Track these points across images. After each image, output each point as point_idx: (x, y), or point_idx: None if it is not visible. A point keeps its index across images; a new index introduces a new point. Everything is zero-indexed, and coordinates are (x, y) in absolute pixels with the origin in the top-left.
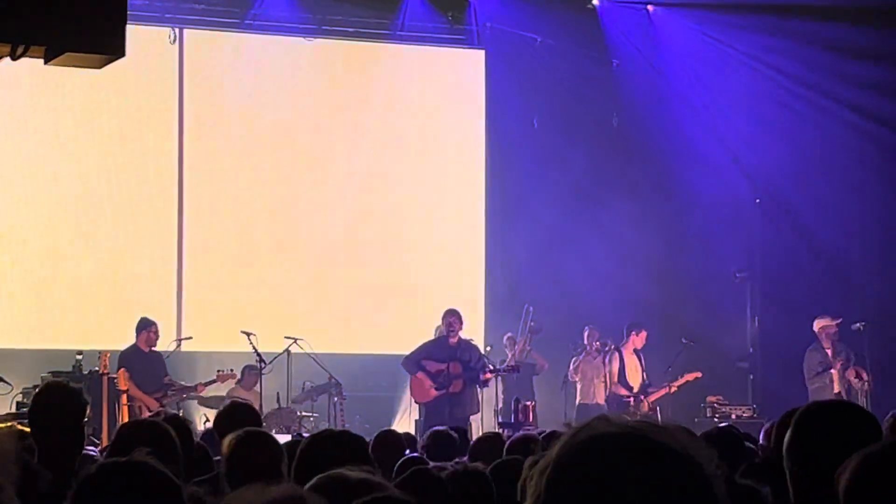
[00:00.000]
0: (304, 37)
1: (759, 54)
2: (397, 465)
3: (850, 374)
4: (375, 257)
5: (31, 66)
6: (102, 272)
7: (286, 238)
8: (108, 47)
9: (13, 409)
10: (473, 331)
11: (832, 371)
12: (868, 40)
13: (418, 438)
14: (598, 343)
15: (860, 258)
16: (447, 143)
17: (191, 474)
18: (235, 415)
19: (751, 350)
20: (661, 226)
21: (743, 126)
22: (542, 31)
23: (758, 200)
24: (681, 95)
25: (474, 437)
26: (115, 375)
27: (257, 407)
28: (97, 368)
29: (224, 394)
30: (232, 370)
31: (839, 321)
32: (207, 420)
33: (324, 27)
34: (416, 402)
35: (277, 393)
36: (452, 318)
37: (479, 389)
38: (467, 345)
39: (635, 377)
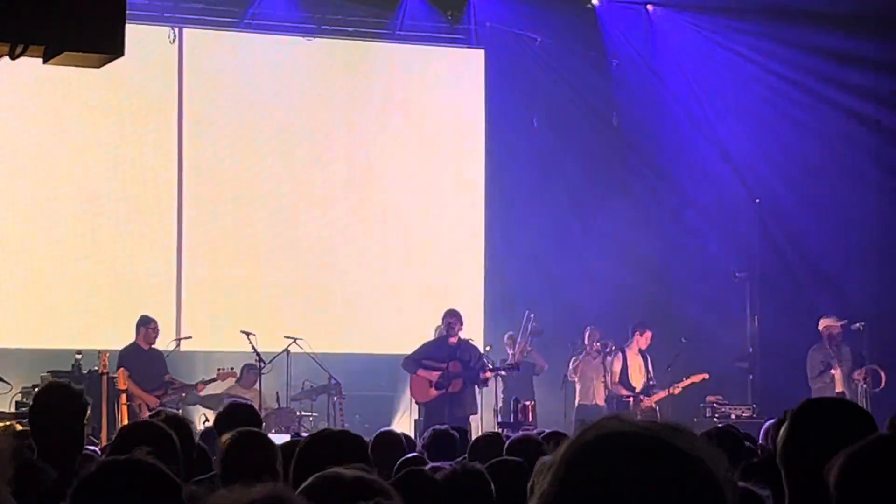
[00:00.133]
0: (303, 36)
1: (758, 55)
2: (397, 464)
3: (859, 375)
4: (375, 257)
5: (30, 66)
6: (102, 272)
7: (286, 238)
8: (107, 47)
9: (12, 409)
10: (473, 331)
11: (833, 371)
12: (867, 47)
13: (417, 438)
14: (598, 344)
15: (860, 258)
16: (447, 143)
17: (191, 474)
18: (235, 415)
19: (750, 350)
20: (661, 225)
21: (742, 126)
22: (542, 30)
23: (757, 200)
24: (680, 95)
25: (473, 438)
26: (114, 375)
27: (256, 406)
28: (96, 368)
29: (221, 392)
30: (232, 368)
31: (844, 322)
32: (207, 420)
33: (323, 27)
34: (415, 401)
35: (277, 392)
36: (452, 319)
37: (478, 389)
38: (467, 345)
39: (638, 378)
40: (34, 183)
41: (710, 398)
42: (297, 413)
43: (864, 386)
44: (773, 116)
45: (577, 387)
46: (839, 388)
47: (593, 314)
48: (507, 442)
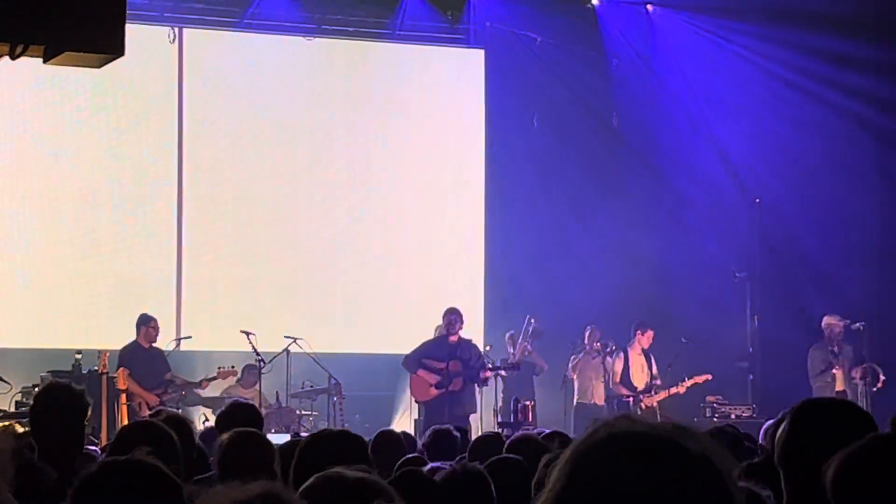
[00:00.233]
0: (303, 36)
1: (758, 55)
2: (397, 464)
3: (857, 374)
4: (375, 257)
5: (30, 66)
6: (102, 272)
7: (286, 237)
8: (107, 46)
9: (12, 409)
10: (473, 331)
11: (834, 370)
12: (866, 49)
13: (418, 438)
14: (598, 343)
15: (860, 258)
16: (447, 142)
17: (191, 474)
18: (237, 414)
19: (750, 350)
20: (661, 225)
21: (742, 126)
22: (542, 30)
23: (757, 200)
24: (680, 95)
25: (473, 437)
26: (114, 374)
27: (256, 406)
28: (96, 368)
29: (219, 393)
30: (233, 367)
31: (846, 322)
32: (206, 419)
33: (323, 26)
34: (416, 400)
35: (277, 392)
36: (453, 317)
37: (477, 388)
38: (467, 343)
39: (640, 377)
40: (34, 183)
41: (710, 398)
42: (297, 413)
43: (864, 385)
44: (773, 116)
45: (575, 385)
46: (840, 388)
47: (593, 314)
48: (507, 441)
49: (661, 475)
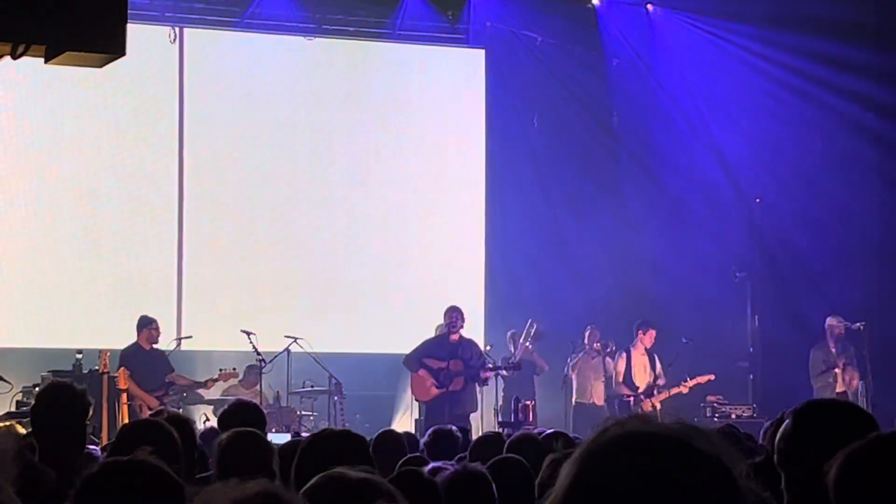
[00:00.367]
0: (303, 36)
1: (757, 56)
2: (398, 464)
3: (847, 376)
4: (375, 256)
5: (31, 65)
6: (102, 271)
7: (286, 237)
8: (108, 46)
9: (13, 409)
10: (473, 330)
11: (835, 370)
12: (866, 53)
13: (419, 437)
14: (598, 343)
15: (860, 258)
16: (447, 142)
17: (192, 473)
18: (240, 414)
19: (751, 349)
20: (661, 225)
21: (742, 126)
22: (542, 30)
23: (757, 199)
24: (680, 95)
25: (473, 437)
26: (115, 374)
27: None
28: (97, 367)
29: (220, 394)
30: (234, 369)
31: (848, 323)
32: (207, 419)
33: (323, 26)
34: (416, 400)
35: (277, 392)
36: (455, 315)
37: (478, 388)
38: (468, 342)
39: (642, 377)
40: (34, 183)
41: (710, 398)
42: (298, 413)
43: (855, 388)
44: (772, 117)
45: (574, 384)
46: (840, 388)
47: (593, 314)
48: (508, 441)
49: (671, 474)
